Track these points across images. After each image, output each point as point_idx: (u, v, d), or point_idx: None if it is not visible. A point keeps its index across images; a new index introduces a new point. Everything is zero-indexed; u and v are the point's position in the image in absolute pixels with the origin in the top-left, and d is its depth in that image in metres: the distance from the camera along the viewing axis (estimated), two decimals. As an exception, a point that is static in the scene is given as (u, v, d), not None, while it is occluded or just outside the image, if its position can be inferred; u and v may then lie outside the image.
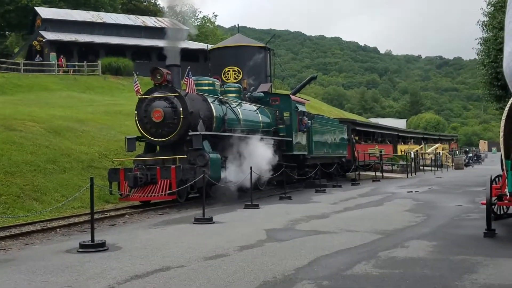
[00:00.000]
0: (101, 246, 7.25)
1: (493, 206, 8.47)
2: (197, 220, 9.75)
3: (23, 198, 11.78)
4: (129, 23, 44.19)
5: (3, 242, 8.21)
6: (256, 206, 12.23)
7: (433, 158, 35.22)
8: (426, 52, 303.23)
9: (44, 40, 38.71)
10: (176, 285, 5.27)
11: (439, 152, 38.51)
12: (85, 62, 37.72)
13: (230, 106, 15.34)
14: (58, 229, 9.51)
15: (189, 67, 13.66)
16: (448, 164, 38.37)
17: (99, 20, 42.94)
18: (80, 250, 7.21)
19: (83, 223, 10.05)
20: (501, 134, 7.74)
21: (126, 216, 11.41)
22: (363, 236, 7.98)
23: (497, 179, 8.85)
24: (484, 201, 8.17)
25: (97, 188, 10.11)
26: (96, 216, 9.29)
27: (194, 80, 13.61)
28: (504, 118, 7.69)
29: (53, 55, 37.83)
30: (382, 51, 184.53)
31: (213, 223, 9.67)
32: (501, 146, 7.78)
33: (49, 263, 6.49)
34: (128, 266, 6.19)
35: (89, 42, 40.32)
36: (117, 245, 7.53)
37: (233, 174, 14.19)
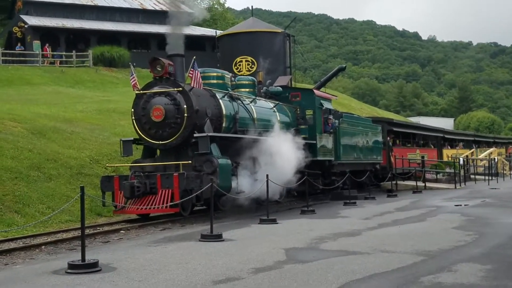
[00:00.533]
0: (93, 267, 7.29)
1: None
2: (204, 237, 9.78)
3: (3, 210, 11.89)
4: (124, 6, 44.47)
5: (-21, 262, 8.33)
6: (274, 221, 12.20)
7: (487, 165, 34.87)
8: (478, 38, 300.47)
9: (26, 26, 39.10)
10: (180, 313, 5.32)
11: (494, 158, 38.12)
12: (73, 51, 38.02)
13: (243, 103, 15.34)
14: (43, 247, 9.55)
15: (194, 57, 13.68)
16: (505, 172, 37.97)
17: (90, 3, 43.28)
18: (69, 271, 7.25)
19: (72, 240, 10.11)
20: None
21: (122, 231, 11.46)
22: (401, 258, 7.93)
23: None
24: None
25: (88, 199, 10.21)
26: (87, 231, 9.36)
27: (200, 73, 13.63)
28: None
29: (36, 43, 38.19)
30: (424, 37, 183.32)
31: (223, 240, 9.68)
32: None
33: (32, 286, 6.55)
34: (124, 290, 6.24)
35: (79, 29, 40.67)
36: (112, 266, 7.57)
37: (246, 183, 14.17)
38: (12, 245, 9.73)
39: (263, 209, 13.36)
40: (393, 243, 9.29)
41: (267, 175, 12.94)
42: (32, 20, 39.23)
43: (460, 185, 26.62)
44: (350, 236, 10.18)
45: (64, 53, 38.22)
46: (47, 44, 37.93)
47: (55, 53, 37.99)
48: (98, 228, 11.80)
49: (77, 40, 40.59)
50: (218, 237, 9.77)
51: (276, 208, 15.43)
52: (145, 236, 10.89)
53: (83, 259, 7.44)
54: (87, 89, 32.29)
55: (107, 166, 15.49)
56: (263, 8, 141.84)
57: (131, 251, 8.94)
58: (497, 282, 6.48)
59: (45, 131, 17.43)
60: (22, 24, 39.45)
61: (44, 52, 37.35)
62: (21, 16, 40.22)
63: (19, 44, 39.21)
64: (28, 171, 14.10)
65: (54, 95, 27.65)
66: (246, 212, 14.01)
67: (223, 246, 9.15)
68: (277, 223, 12.14)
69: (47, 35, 39.14)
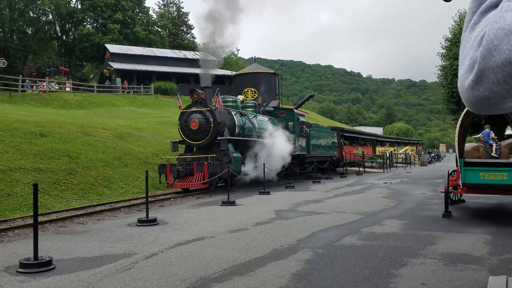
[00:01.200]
0: (153, 222, 7.31)
1: (449, 194, 8.36)
2: (224, 203, 9.79)
3: (96, 185, 11.94)
4: (174, 56, 44.49)
5: (81, 218, 8.33)
6: (268, 193, 12.18)
7: (404, 157, 34.79)
8: (399, 75, 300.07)
9: (112, 68, 39.18)
10: (208, 251, 5.30)
11: (408, 153, 38.02)
12: (142, 85, 38.11)
13: (248, 118, 15.32)
14: (122, 209, 9.60)
15: (218, 88, 13.72)
16: (415, 161, 37.85)
17: (152, 54, 43.32)
18: (138, 224, 7.27)
19: (140, 205, 10.15)
20: (456, 138, 7.64)
21: (172, 199, 11.48)
22: (349, 216, 7.92)
23: (453, 173, 8.72)
24: (443, 190, 8.07)
25: (150, 178, 10.20)
26: (149, 199, 9.38)
27: (221, 98, 13.66)
28: (458, 126, 7.59)
29: (118, 80, 38.27)
30: (364, 75, 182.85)
31: (236, 205, 9.69)
32: (456, 147, 7.68)
33: (115, 233, 6.57)
34: (173, 236, 6.23)
35: (145, 70, 40.72)
36: (165, 221, 7.58)
37: (250, 169, 14.18)
38: (102, 208, 9.77)
39: (261, 185, 13.36)
40: (344, 207, 9.28)
41: (264, 164, 12.94)
42: (116, 65, 39.26)
43: (387, 170, 26.57)
44: (316, 203, 10.16)
45: (136, 86, 38.30)
46: (125, 81, 38.02)
47: (129, 86, 38.05)
48: (156, 197, 11.81)
49: (144, 78, 40.63)
50: (232, 203, 9.77)
51: (269, 184, 15.39)
52: (186, 202, 10.90)
53: (147, 216, 7.45)
54: (150, 109, 32.27)
55: (162, 157, 15.51)
56: (262, 57, 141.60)
57: (177, 211, 8.97)
58: (410, 231, 6.47)
59: (123, 135, 17.44)
60: (109, 67, 39.49)
61: (123, 85, 37.41)
62: (109, 62, 40.26)
63: (107, 80, 39.26)
64: (113, 161, 14.12)
65: (129, 113, 27.65)
66: (250, 187, 13.98)
67: (235, 209, 9.18)
68: (270, 194, 12.14)
69: (125, 74, 39.19)
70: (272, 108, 18.50)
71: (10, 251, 5.47)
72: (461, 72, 0.66)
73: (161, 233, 6.46)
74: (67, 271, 4.47)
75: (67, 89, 32.07)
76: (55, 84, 31.55)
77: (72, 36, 50.47)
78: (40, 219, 7.71)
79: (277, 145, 15.67)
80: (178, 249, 5.39)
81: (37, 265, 4.48)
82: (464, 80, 0.65)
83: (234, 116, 14.23)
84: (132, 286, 3.95)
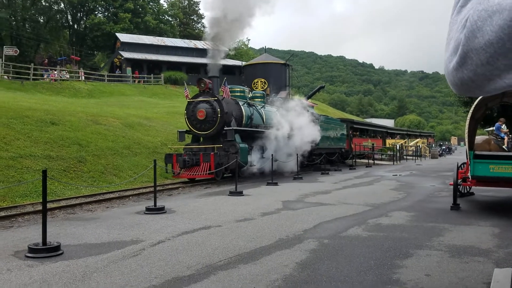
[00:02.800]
0: (161, 210, 7.39)
1: (458, 186, 8.29)
2: (231, 193, 9.83)
3: (106, 174, 12.07)
4: (184, 46, 44.47)
5: (90, 205, 8.45)
6: (276, 184, 12.19)
7: (414, 149, 34.48)
8: (411, 67, 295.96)
9: (122, 57, 39.35)
10: (214, 239, 5.35)
11: (419, 145, 37.65)
12: (152, 74, 38.24)
13: (256, 108, 15.23)
14: (130, 197, 9.70)
15: (225, 78, 13.63)
16: (426, 154, 37.51)
17: (162, 43, 43.38)
18: (146, 212, 7.36)
19: (148, 193, 10.23)
20: (466, 131, 7.56)
21: (180, 188, 11.56)
22: (356, 208, 7.91)
23: (462, 165, 8.64)
24: (452, 182, 8.00)
25: (158, 167, 10.28)
26: (158, 188, 9.47)
27: (229, 88, 13.59)
28: (469, 119, 7.50)
29: (128, 69, 38.46)
30: (376, 67, 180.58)
31: (243, 195, 9.73)
32: (466, 140, 7.59)
33: (123, 221, 6.66)
34: (180, 224, 6.30)
35: (155, 60, 40.82)
36: (173, 210, 7.66)
37: (257, 159, 14.15)
38: (111, 195, 9.87)
39: (267, 176, 13.38)
40: (351, 198, 9.26)
41: (272, 155, 12.92)
42: (126, 54, 39.41)
43: (397, 163, 26.39)
44: (324, 194, 10.16)
45: (146, 75, 38.44)
46: (136, 70, 38.20)
47: (140, 75, 38.21)
48: (165, 186, 11.89)
49: (154, 67, 40.74)
50: (240, 193, 9.81)
51: (277, 175, 15.40)
52: (194, 191, 10.97)
53: (155, 205, 7.53)
54: (160, 99, 32.41)
55: (170, 147, 15.56)
56: (273, 47, 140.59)
57: (185, 200, 9.05)
58: (417, 223, 6.45)
59: (133, 125, 17.56)
60: (120, 57, 39.67)
61: (134, 75, 37.60)
62: (119, 51, 40.43)
63: (117, 69, 39.48)
64: (122, 150, 14.24)
65: (139, 102, 27.81)
66: (257, 178, 14.00)
67: (243, 199, 9.22)
68: (278, 185, 12.15)
69: (135, 64, 39.34)
70: (281, 99, 18.38)
71: (19, 236, 5.59)
72: (446, 54, 0.66)
73: (169, 221, 6.53)
74: (75, 257, 4.57)
75: (82, 78, 32.32)
76: (66, 72, 31.82)
77: (83, 25, 50.74)
78: (50, 205, 7.86)
79: (285, 136, 15.62)
80: (185, 237, 5.46)
81: (46, 250, 4.58)
82: (449, 62, 0.65)
83: (242, 107, 14.14)
84: (138, 272, 4.02)
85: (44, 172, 4.79)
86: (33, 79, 27.93)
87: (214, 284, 3.66)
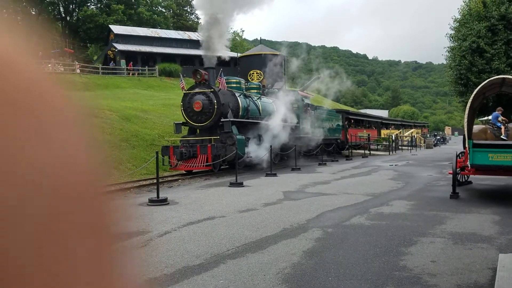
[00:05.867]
0: (164, 201, 7.43)
1: (457, 175, 8.40)
2: (232, 184, 9.88)
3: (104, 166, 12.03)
4: (178, 37, 44.10)
5: (92, 198, 8.46)
6: (275, 175, 12.24)
7: (409, 140, 34.71)
8: (405, 57, 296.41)
9: (116, 50, 38.96)
10: (219, 229, 5.41)
11: (414, 135, 37.90)
12: (146, 67, 37.94)
13: (252, 99, 15.20)
14: (131, 189, 9.72)
15: (221, 69, 13.56)
16: (420, 144, 37.78)
17: (156, 35, 42.96)
18: (149, 204, 7.40)
19: (149, 185, 10.25)
20: (465, 120, 7.63)
21: (180, 180, 11.58)
22: (357, 197, 8.00)
23: (461, 154, 8.74)
24: (451, 171, 8.11)
25: (159, 159, 10.27)
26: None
27: (225, 79, 13.53)
28: (468, 107, 7.57)
29: (123, 61, 38.09)
30: (370, 57, 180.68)
31: (244, 186, 9.78)
32: (465, 129, 7.68)
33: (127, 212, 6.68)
34: (185, 215, 6.34)
35: (149, 52, 40.47)
36: (175, 201, 7.70)
37: (253, 151, 14.16)
38: (112, 188, 9.72)
39: (264, 167, 13.40)
40: (351, 188, 9.35)
41: (270, 146, 12.93)
42: (120, 46, 39.02)
43: (392, 153, 26.58)
44: (324, 184, 10.25)
45: (140, 67, 38.15)
46: (131, 62, 37.89)
47: (134, 67, 37.92)
48: (164, 178, 11.86)
49: (149, 59, 40.42)
50: (240, 184, 9.86)
51: (276, 166, 15.46)
52: (194, 183, 11.00)
53: (157, 196, 7.55)
54: (155, 91, 32.24)
55: (167, 139, 15.50)
56: (267, 39, 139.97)
57: (186, 192, 9.08)
58: (417, 211, 6.54)
59: (130, 117, 17.49)
60: (114, 49, 39.28)
61: (128, 67, 37.29)
62: (113, 43, 40.02)
63: (111, 62, 39.09)
64: (120, 142, 14.19)
65: (134, 95, 27.65)
66: (255, 169, 14.04)
67: (243, 190, 9.27)
68: (277, 176, 12.21)
69: (130, 56, 38.99)
70: (277, 90, 18.35)
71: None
72: None
73: (173, 213, 6.57)
74: (84, 248, 4.59)
75: (77, 70, 32.00)
76: (60, 65, 31.49)
77: (76, 17, 50.10)
78: (53, 198, 7.83)
79: (281, 127, 15.62)
80: (191, 228, 5.50)
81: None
82: None
83: (238, 98, 14.08)
84: (149, 261, 4.06)
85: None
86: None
87: (225, 273, 3.72)
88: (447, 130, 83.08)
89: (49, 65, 30.18)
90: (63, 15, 50.14)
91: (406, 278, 3.52)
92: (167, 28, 51.05)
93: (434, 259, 4.06)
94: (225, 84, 13.42)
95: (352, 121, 29.58)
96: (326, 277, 3.56)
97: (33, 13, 46.05)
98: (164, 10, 56.05)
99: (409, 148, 31.10)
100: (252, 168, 14.20)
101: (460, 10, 21.41)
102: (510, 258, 3.40)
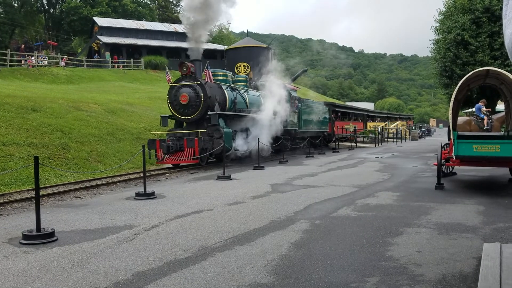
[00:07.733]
0: (151, 195, 7.37)
1: (442, 166, 8.52)
2: (220, 177, 9.85)
3: (90, 160, 11.89)
4: (164, 29, 43.59)
5: (78, 192, 8.34)
6: (262, 168, 12.26)
7: (395, 132, 35.10)
8: (390, 50, 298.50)
9: (100, 42, 38.34)
10: (208, 222, 5.39)
11: (399, 127, 38.34)
12: (131, 59, 37.43)
13: (239, 92, 15.11)
14: (118, 183, 9.61)
15: (208, 61, 13.43)
16: (406, 136, 38.25)
17: (141, 27, 42.38)
18: (136, 197, 7.33)
19: (136, 179, 10.16)
20: (450, 112, 7.73)
21: (167, 174, 11.49)
22: (343, 189, 8.06)
23: (445, 146, 8.87)
24: (436, 163, 8.22)
25: (146, 153, 10.16)
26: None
27: (211, 72, 13.42)
28: (452, 100, 7.67)
29: (107, 54, 37.53)
30: (356, 50, 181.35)
31: (231, 179, 9.77)
32: (450, 120, 7.77)
33: (114, 206, 6.61)
34: (172, 209, 6.30)
35: (134, 44, 39.92)
36: (162, 195, 7.65)
37: (241, 144, 14.14)
38: (98, 182, 9.75)
39: (252, 160, 13.41)
40: (338, 180, 9.42)
41: (258, 139, 12.91)
42: (105, 39, 38.41)
43: (378, 145, 26.85)
44: (311, 176, 10.30)
45: (125, 60, 37.63)
46: (115, 55, 37.33)
47: (119, 60, 37.38)
48: (151, 172, 11.78)
49: (134, 52, 39.90)
50: (228, 178, 9.84)
51: (263, 159, 15.47)
52: (182, 177, 10.93)
53: (144, 190, 7.49)
54: (141, 84, 31.86)
55: (153, 133, 15.35)
56: (253, 32, 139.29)
57: (174, 186, 9.03)
58: (403, 203, 6.62)
59: (115, 111, 17.28)
60: (98, 41, 38.65)
61: (113, 60, 36.74)
62: (97, 36, 39.38)
63: (96, 54, 38.49)
64: (106, 136, 14.03)
65: (119, 88, 27.29)
66: (242, 163, 14.03)
67: (232, 183, 9.25)
68: (264, 169, 12.23)
69: (114, 49, 38.46)
70: (264, 83, 18.28)
71: (11, 224, 5.50)
72: (508, 31, 0.68)
73: (160, 206, 6.52)
74: (70, 242, 4.53)
75: (62, 63, 31.38)
76: (43, 58, 30.83)
77: (59, 9, 49.03)
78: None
79: (268, 120, 15.59)
80: (178, 221, 5.47)
81: (40, 237, 4.53)
82: None
83: (225, 91, 13.99)
84: (136, 255, 4.03)
85: (36, 159, 4.70)
86: (10, 66, 26.98)
87: (213, 265, 3.71)
88: (432, 122, 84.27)
89: (32, 58, 29.52)
90: (46, 7, 49.03)
91: (392, 268, 3.57)
92: (153, 20, 50.43)
93: (419, 249, 4.12)
94: (211, 76, 13.29)
95: (339, 113, 29.72)
96: (314, 268, 3.58)
97: (16, 5, 44.87)
98: (149, 2, 55.29)
99: (395, 140, 31.46)
100: (240, 161, 14.18)
101: (445, 3, 21.60)
102: (494, 247, 3.46)
